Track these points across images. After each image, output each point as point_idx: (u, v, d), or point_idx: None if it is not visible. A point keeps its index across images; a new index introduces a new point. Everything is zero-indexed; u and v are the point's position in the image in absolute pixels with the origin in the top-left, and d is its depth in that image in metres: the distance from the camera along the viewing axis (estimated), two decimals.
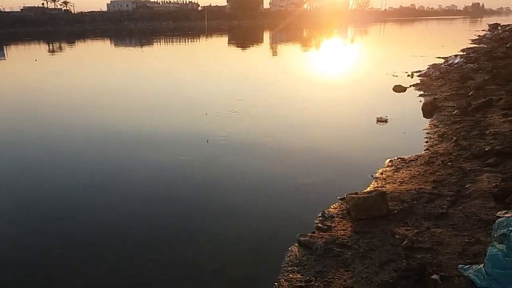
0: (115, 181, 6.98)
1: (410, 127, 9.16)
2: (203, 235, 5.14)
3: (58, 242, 5.09)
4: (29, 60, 26.31)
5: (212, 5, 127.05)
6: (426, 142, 8.01)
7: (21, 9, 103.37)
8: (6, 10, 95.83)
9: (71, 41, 45.28)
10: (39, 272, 4.51)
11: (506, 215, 4.42)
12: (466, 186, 5.58)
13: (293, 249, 4.65)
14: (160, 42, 43.19)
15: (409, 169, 6.63)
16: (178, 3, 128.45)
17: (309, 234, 4.88)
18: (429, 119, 9.64)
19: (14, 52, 35.03)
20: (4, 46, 39.01)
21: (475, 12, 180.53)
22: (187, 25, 73.08)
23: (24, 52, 34.96)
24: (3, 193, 6.62)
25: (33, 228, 5.46)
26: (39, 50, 35.85)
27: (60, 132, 9.97)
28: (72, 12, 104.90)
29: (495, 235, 3.76)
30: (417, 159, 7.03)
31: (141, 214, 5.76)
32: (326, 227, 5.04)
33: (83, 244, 5.03)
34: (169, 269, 4.49)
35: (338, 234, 4.82)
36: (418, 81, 14.55)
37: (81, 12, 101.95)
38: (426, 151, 7.43)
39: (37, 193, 6.54)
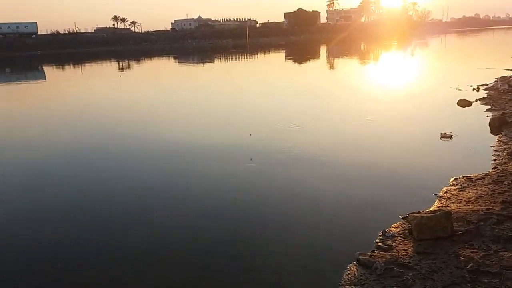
0: (172, 191, 7.34)
1: (477, 144, 8.76)
2: (259, 250, 5.22)
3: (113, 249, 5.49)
4: (114, 76, 28.51)
5: (269, 21, 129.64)
6: (494, 160, 7.63)
7: (94, 30, 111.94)
8: (82, 31, 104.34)
9: (141, 58, 48.11)
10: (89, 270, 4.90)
11: None
12: None
13: (351, 267, 4.64)
14: (223, 58, 44.63)
15: (475, 188, 6.36)
16: (237, 21, 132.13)
17: (368, 253, 4.85)
18: (497, 136, 9.16)
19: (92, 69, 37.84)
20: (80, 65, 42.33)
21: None
22: (246, 42, 74.83)
23: (104, 69, 37.66)
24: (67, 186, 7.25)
25: (88, 228, 5.95)
26: (115, 67, 38.48)
27: (120, 140, 10.76)
28: (140, 31, 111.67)
29: None
30: (484, 177, 6.73)
31: (197, 226, 5.94)
32: (386, 246, 4.98)
33: (136, 252, 5.33)
34: (227, 285, 4.58)
35: (399, 254, 4.75)
36: (485, 95, 13.84)
37: (148, 31, 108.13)
38: (494, 170, 7.08)
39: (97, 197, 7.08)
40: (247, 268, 4.86)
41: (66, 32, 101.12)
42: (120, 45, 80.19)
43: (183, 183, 7.74)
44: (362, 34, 66.85)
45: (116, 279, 4.81)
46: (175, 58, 47.17)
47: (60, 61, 49.03)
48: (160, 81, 25.81)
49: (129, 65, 39.89)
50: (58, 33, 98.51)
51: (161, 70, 35.09)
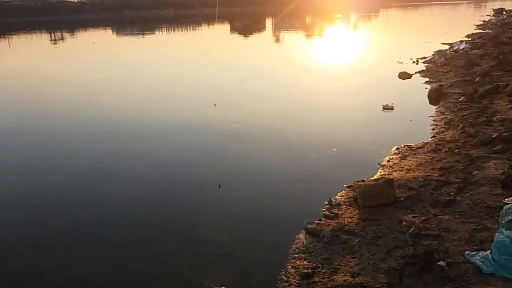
0: (119, 168, 7.05)
1: (416, 114, 9.12)
2: (210, 223, 5.16)
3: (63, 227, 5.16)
4: (51, 49, 26.28)
5: None
6: (433, 129, 7.99)
7: None
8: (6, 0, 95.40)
9: (75, 29, 44.93)
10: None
11: None
12: (473, 173, 5.58)
13: (300, 236, 4.69)
14: (165, 30, 42.80)
15: (416, 156, 6.62)
16: None
17: (316, 221, 4.91)
18: (435, 106, 9.59)
19: (21, 42, 34.87)
20: (7, 36, 38.87)
21: None
22: (188, 13, 72.14)
23: (39, 41, 34.84)
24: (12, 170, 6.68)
25: (40, 215, 5.53)
26: (47, 39, 35.72)
27: (65, 120, 10.05)
28: (73, 0, 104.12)
29: (503, 222, 3.77)
30: (423, 146, 7.03)
31: (145, 203, 5.79)
32: (333, 214, 5.06)
33: (82, 233, 5.11)
34: (176, 257, 4.52)
35: (345, 221, 4.85)
36: (424, 68, 14.43)
37: (81, 0, 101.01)
38: (432, 139, 7.41)
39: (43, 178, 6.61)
40: (196, 241, 4.79)
41: None
42: (51, 15, 74.27)
43: (130, 159, 7.44)
44: (308, 7, 66.89)
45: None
46: (112, 29, 44.53)
47: None
48: (97, 55, 24.37)
49: (62, 37, 37.23)
50: None
51: (99, 43, 33.09)
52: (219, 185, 6.16)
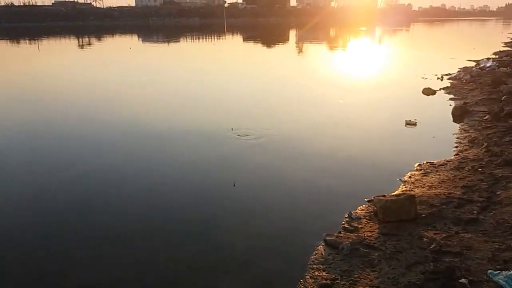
0: (135, 171, 7.17)
1: (440, 131, 9.04)
2: (230, 230, 5.21)
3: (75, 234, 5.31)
4: (74, 53, 27.00)
5: (239, 1, 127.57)
6: (456, 147, 7.91)
7: (52, 3, 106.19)
8: (38, 4, 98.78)
9: (103, 36, 46.09)
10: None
11: None
12: (497, 193, 5.51)
13: (319, 248, 4.71)
14: (192, 39, 43.54)
15: (438, 173, 6.58)
16: (204, 0, 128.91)
17: (335, 234, 4.93)
18: (459, 124, 9.49)
19: (50, 45, 35.96)
20: (37, 40, 40.09)
21: (508, 13, 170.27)
22: (213, 22, 73.05)
23: (64, 46, 35.92)
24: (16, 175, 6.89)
25: (53, 220, 5.59)
26: (75, 44, 36.79)
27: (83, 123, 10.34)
28: (101, 7, 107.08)
29: None
30: (446, 164, 6.96)
31: (170, 209, 5.84)
32: (353, 228, 5.07)
33: (103, 238, 5.16)
34: (194, 263, 4.56)
35: (365, 235, 4.85)
36: (448, 84, 14.28)
37: (110, 7, 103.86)
38: (455, 156, 7.34)
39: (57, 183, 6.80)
40: (214, 247, 4.83)
41: (22, 4, 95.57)
42: (80, 20, 76.43)
43: (148, 164, 7.57)
44: (332, 20, 66.84)
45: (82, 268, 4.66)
46: (139, 36, 45.44)
47: (15, 36, 46.25)
48: (118, 61, 24.96)
49: (89, 42, 38.24)
50: (12, 5, 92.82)
51: (121, 49, 33.89)
52: (234, 184, 6.40)
